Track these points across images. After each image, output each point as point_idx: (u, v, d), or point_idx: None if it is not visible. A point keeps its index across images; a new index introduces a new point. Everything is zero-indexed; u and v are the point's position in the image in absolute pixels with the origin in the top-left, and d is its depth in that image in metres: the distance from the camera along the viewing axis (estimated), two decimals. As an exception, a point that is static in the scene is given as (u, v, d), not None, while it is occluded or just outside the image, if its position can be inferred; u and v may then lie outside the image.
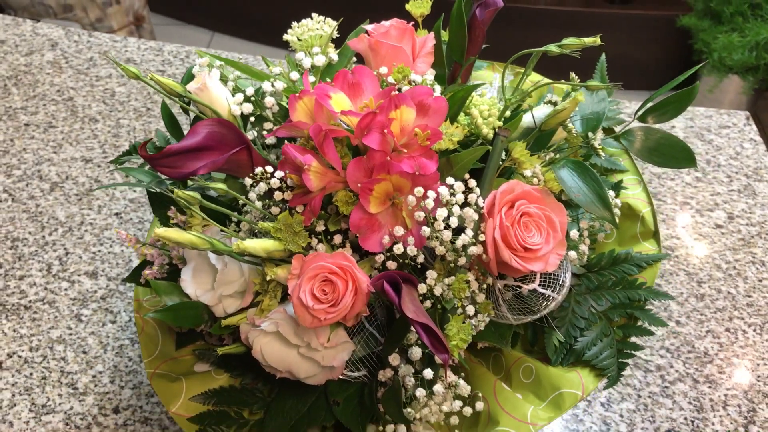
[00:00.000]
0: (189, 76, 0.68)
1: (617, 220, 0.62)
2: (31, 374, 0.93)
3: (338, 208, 0.58)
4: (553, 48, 0.56)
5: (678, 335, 0.95)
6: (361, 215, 0.56)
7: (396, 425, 0.58)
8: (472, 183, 0.56)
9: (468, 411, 0.57)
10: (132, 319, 0.98)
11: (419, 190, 0.54)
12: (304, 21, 0.69)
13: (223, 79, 0.68)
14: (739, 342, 0.94)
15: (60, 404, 0.89)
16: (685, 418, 0.87)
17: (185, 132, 0.71)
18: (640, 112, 0.63)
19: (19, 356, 0.95)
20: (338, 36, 0.70)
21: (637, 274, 0.64)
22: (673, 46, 2.69)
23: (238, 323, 0.59)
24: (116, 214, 1.12)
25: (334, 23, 0.69)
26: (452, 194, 0.54)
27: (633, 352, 0.61)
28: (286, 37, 0.69)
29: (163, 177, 0.70)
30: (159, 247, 0.64)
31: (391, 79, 0.62)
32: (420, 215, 0.54)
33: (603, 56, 0.76)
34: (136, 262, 1.05)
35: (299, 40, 0.68)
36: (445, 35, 0.68)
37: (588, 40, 0.55)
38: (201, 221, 0.60)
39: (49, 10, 2.59)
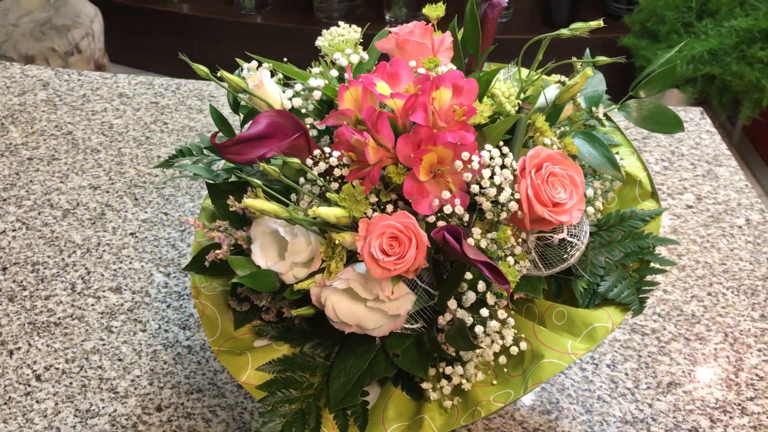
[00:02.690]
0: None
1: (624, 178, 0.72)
2: (71, 383, 0.97)
3: (387, 183, 0.67)
4: (565, 32, 0.67)
5: (667, 302, 1.05)
6: (411, 183, 0.65)
7: (454, 365, 0.66)
8: (506, 149, 0.65)
9: (515, 350, 0.66)
10: (161, 326, 1.04)
11: (465, 154, 0.63)
12: (332, 29, 0.78)
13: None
14: (720, 303, 1.05)
15: (103, 408, 0.94)
16: (683, 371, 0.96)
17: (235, 129, 0.79)
18: (633, 86, 0.74)
19: (57, 368, 0.99)
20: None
21: (642, 227, 0.74)
22: (616, 65, 2.86)
23: (308, 287, 0.66)
24: (131, 234, 1.18)
25: (359, 29, 0.79)
26: (491, 158, 0.63)
27: (650, 288, 0.70)
28: (318, 43, 0.77)
29: (217, 170, 0.77)
30: (222, 231, 0.71)
31: (420, 70, 0.71)
32: (468, 176, 0.62)
33: (587, 50, 0.87)
34: (157, 276, 1.11)
35: (330, 45, 0.77)
36: (458, 33, 0.78)
37: (593, 24, 0.66)
38: (265, 200, 0.67)
39: (12, 63, 2.63)
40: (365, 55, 0.75)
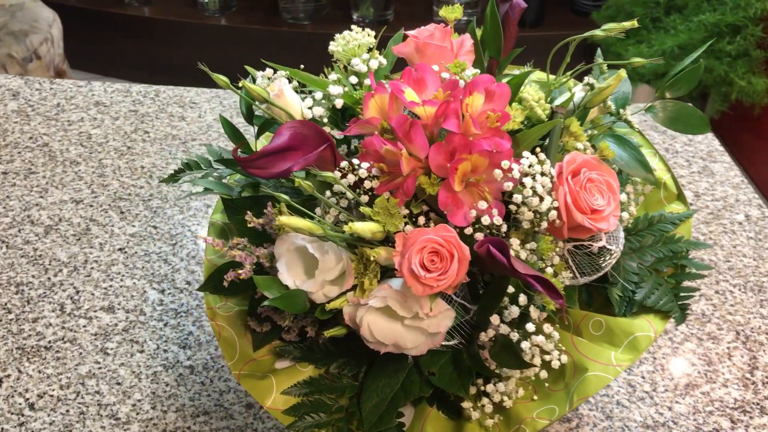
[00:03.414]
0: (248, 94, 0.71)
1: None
2: (67, 411, 0.92)
3: (416, 194, 0.64)
4: (598, 32, 0.64)
5: (675, 301, 1.04)
6: (446, 193, 0.62)
7: (495, 382, 0.63)
8: (542, 156, 0.62)
9: (556, 363, 0.63)
10: (159, 346, 0.99)
11: (506, 163, 0.60)
12: (345, 33, 0.75)
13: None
14: (729, 301, 1.04)
15: (105, 436, 0.89)
16: (699, 372, 0.95)
17: (248, 140, 0.75)
18: (660, 89, 0.72)
19: (51, 395, 0.94)
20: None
21: (672, 230, 0.72)
22: (586, 61, 2.88)
23: (341, 306, 0.63)
24: (120, 249, 1.13)
25: (373, 32, 0.75)
26: (530, 166, 0.61)
27: (690, 294, 0.68)
28: (331, 48, 0.74)
29: (229, 183, 0.73)
30: (241, 249, 0.68)
31: (444, 75, 0.69)
32: (509, 185, 0.60)
33: (599, 50, 0.85)
34: (151, 293, 1.06)
35: (344, 50, 0.73)
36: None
37: (627, 24, 0.64)
38: (290, 216, 0.63)
39: (-29, 71, 2.53)
40: (383, 60, 0.72)
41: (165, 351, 0.99)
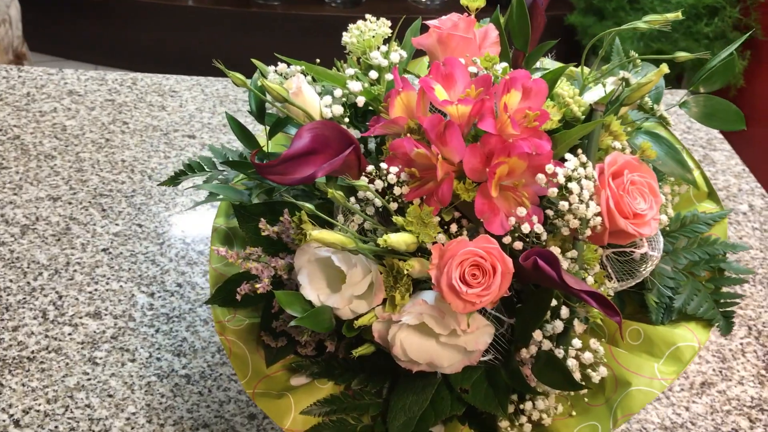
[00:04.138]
0: (256, 85, 0.66)
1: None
2: (56, 427, 0.86)
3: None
4: (641, 24, 0.60)
5: (685, 296, 1.01)
6: (483, 200, 0.57)
7: (535, 400, 0.59)
8: (584, 158, 0.58)
9: (597, 378, 0.60)
10: (152, 354, 0.94)
11: (550, 167, 0.56)
12: (359, 23, 0.69)
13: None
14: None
15: (99, 453, 0.84)
16: (713, 369, 0.93)
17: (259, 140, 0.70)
18: (695, 83, 0.68)
19: (37, 410, 0.88)
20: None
21: (707, 231, 0.69)
22: (563, 43, 2.86)
23: (370, 322, 0.58)
24: (103, 249, 1.06)
25: (388, 22, 0.70)
26: (574, 169, 0.56)
27: (733, 300, 0.65)
28: (345, 40, 0.69)
29: (240, 189, 0.67)
30: (255, 259, 0.62)
31: (471, 69, 0.64)
32: (554, 191, 0.56)
33: (617, 39, 0.81)
34: (140, 297, 1.00)
35: (359, 42, 0.68)
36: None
37: (671, 16, 0.60)
38: (312, 226, 0.58)
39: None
40: (404, 53, 0.67)
41: (158, 359, 0.93)
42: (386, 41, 0.70)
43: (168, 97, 1.34)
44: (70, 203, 1.13)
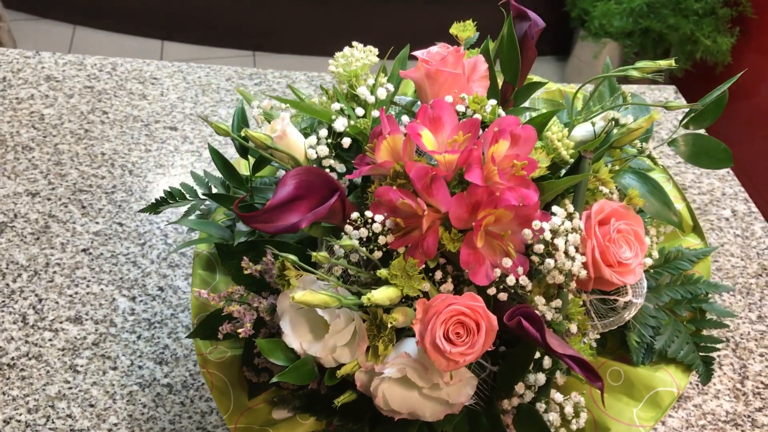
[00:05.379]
0: (240, 118, 0.64)
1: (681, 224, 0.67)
2: (38, 438, 0.86)
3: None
4: (634, 73, 0.59)
5: (666, 306, 1.02)
6: (468, 251, 0.57)
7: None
8: (571, 207, 0.58)
9: (576, 423, 0.60)
10: (134, 362, 0.93)
11: (537, 224, 0.55)
12: (346, 50, 0.68)
13: (268, 118, 0.66)
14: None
15: (80, 466, 0.84)
16: (690, 383, 0.95)
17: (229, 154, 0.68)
18: (684, 121, 0.67)
19: (18, 420, 0.87)
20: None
21: (690, 269, 0.69)
22: (548, 13, 2.82)
23: (353, 372, 0.58)
24: (83, 250, 1.05)
25: (375, 50, 0.69)
26: (562, 223, 0.56)
27: (713, 345, 0.66)
28: (331, 69, 0.67)
29: (223, 219, 0.66)
30: (238, 301, 0.62)
31: (460, 108, 0.63)
32: (540, 247, 0.55)
33: (608, 59, 0.80)
34: (121, 301, 0.99)
35: (345, 71, 0.67)
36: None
37: (663, 63, 0.59)
38: (296, 272, 0.58)
39: None
40: (390, 87, 0.66)
41: (140, 367, 0.93)
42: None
43: (149, 84, 1.31)
44: (49, 199, 1.11)
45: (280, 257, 0.57)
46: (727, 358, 0.97)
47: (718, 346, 0.66)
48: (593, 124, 0.64)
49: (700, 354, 0.65)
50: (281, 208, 0.57)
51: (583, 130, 0.67)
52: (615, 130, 0.64)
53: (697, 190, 1.18)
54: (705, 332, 0.67)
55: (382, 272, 0.55)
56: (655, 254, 0.65)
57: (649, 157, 0.66)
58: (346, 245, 0.54)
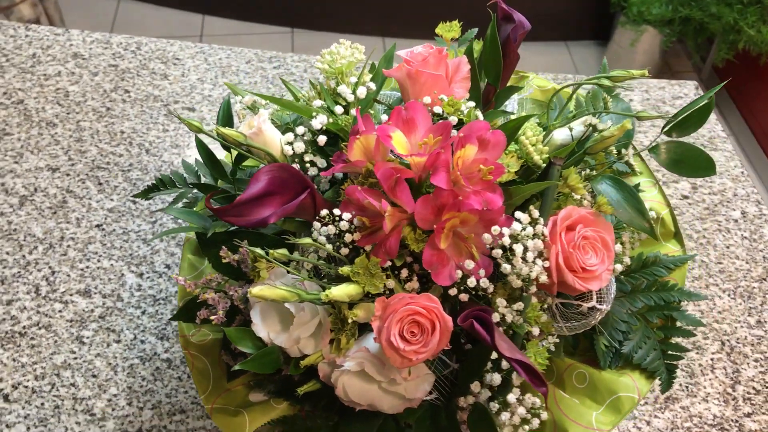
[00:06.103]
0: (225, 112, 0.67)
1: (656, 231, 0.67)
2: (42, 404, 0.91)
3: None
4: (606, 82, 0.59)
5: (663, 306, 1.02)
6: (431, 252, 0.58)
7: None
8: (536, 213, 0.59)
9: (536, 423, 0.62)
10: (137, 336, 0.97)
11: (496, 229, 0.56)
12: (333, 47, 0.69)
13: (255, 112, 0.68)
14: (717, 308, 1.02)
15: (80, 433, 0.89)
16: (681, 384, 0.95)
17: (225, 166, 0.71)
18: (666, 128, 0.67)
19: (26, 386, 0.92)
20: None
21: (666, 275, 0.70)
22: (589, -1, 2.78)
23: (316, 362, 0.60)
24: (97, 225, 1.09)
25: (362, 47, 0.70)
26: (523, 229, 0.57)
27: (679, 353, 0.66)
28: (318, 65, 0.69)
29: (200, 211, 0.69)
30: (215, 288, 0.65)
31: (437, 109, 0.64)
32: (498, 252, 0.56)
33: (605, 60, 0.80)
34: (129, 277, 1.03)
35: (330, 68, 0.68)
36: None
37: (636, 73, 0.59)
38: (267, 264, 0.60)
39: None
40: (372, 86, 0.67)
41: (142, 342, 0.97)
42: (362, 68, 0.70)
43: (171, 64, 1.34)
44: (68, 175, 1.16)
45: (251, 254, 0.59)
46: (721, 361, 0.97)
47: (683, 356, 0.66)
48: (570, 129, 0.65)
49: (665, 362, 0.66)
50: (253, 202, 0.59)
51: (563, 134, 0.67)
52: (595, 135, 0.64)
53: (708, 189, 1.17)
54: (673, 340, 0.68)
55: (344, 269, 0.57)
56: (627, 260, 0.66)
57: (627, 163, 0.66)
58: (305, 243, 0.56)
